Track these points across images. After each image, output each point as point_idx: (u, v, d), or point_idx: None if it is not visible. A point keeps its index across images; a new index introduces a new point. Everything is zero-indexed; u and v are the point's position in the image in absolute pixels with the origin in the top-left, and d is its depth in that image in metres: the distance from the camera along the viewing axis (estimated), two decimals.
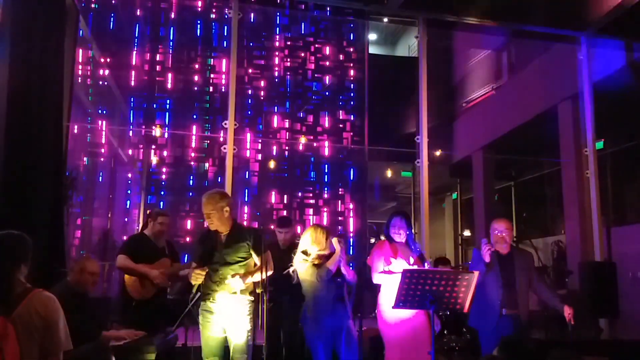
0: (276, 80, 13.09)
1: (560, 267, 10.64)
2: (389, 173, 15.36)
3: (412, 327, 4.45)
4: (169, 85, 12.38)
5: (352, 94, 13.49)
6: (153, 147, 12.09)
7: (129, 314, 5.10)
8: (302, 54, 13.30)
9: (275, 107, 13.00)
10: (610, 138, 10.49)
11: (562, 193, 10.76)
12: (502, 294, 4.85)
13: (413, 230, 4.92)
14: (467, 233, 16.64)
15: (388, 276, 4.54)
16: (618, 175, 10.74)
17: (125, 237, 10.74)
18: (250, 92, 12.80)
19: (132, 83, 12.17)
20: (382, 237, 4.99)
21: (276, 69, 13.11)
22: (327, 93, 13.30)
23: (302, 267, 4.59)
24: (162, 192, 12.05)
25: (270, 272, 4.42)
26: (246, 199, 12.15)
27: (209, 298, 4.37)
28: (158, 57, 12.41)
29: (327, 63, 13.44)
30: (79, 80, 10.17)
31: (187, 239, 11.74)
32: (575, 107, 9.96)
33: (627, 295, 7.92)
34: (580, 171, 9.42)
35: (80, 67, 10.02)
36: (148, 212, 6.24)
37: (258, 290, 4.35)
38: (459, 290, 3.84)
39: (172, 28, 12.55)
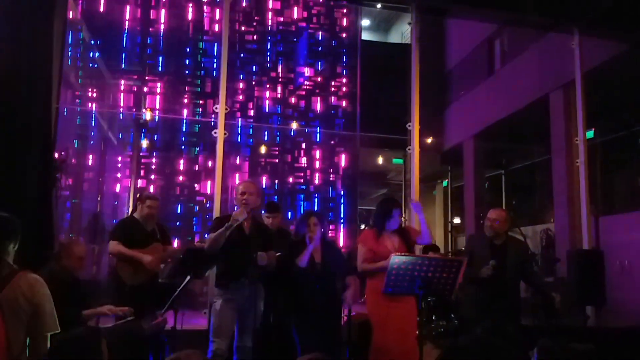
0: (268, 65, 13.03)
1: (548, 255, 10.73)
2: (380, 160, 15.38)
3: (401, 312, 4.47)
4: (160, 69, 12.29)
5: (344, 80, 13.46)
6: (143, 130, 12.02)
7: (121, 299, 5.10)
8: (295, 39, 13.24)
9: (267, 92, 12.95)
10: (600, 127, 10.53)
11: (552, 182, 10.82)
12: (492, 283, 4.90)
13: (403, 217, 4.91)
14: (457, 220, 16.72)
15: (372, 266, 4.57)
16: (607, 165, 10.79)
17: (115, 221, 10.74)
18: (241, 76, 12.74)
19: (123, 66, 12.07)
20: (370, 224, 5.00)
21: (268, 53, 13.04)
22: (319, 79, 13.26)
23: None
24: (152, 176, 12.02)
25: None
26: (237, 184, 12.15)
27: (228, 284, 4.48)
28: (149, 40, 12.30)
29: (320, 48, 13.39)
30: (69, 63, 10.07)
31: (178, 223, 11.73)
32: (567, 96, 9.99)
33: (614, 284, 8.00)
34: (570, 160, 9.47)
35: (69, 49, 9.92)
36: (138, 195, 6.23)
37: None
38: (447, 276, 3.87)
39: (163, 11, 12.43)
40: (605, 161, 10.72)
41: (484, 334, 4.33)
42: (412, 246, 4.95)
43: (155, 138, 12.14)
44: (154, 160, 12.09)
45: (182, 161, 12.21)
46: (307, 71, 13.24)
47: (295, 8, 13.29)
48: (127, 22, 12.27)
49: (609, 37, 8.48)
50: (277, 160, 12.83)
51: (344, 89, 13.44)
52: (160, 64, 12.30)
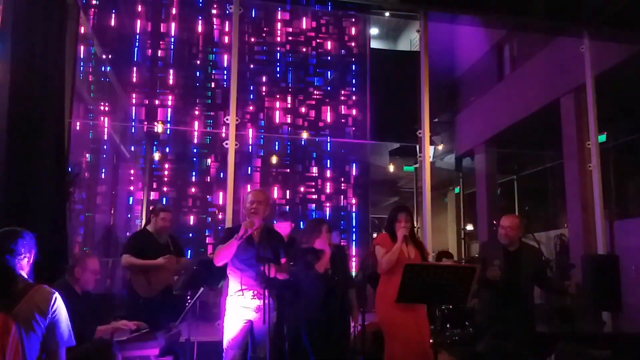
0: (278, 75, 13.08)
1: (563, 261, 10.65)
2: (391, 168, 15.36)
3: (412, 319, 4.46)
4: (171, 81, 12.37)
5: (354, 89, 13.47)
6: (155, 143, 12.10)
7: (135, 311, 5.13)
8: (304, 49, 13.28)
9: (277, 103, 12.99)
10: (613, 131, 10.47)
11: (565, 186, 10.75)
12: (504, 289, 4.87)
13: (415, 225, 4.91)
14: (469, 227, 16.63)
15: (391, 253, 4.56)
16: (621, 169, 10.71)
17: (128, 234, 10.79)
18: (252, 87, 12.79)
19: (134, 79, 12.17)
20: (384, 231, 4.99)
21: (278, 64, 13.09)
22: (329, 88, 13.28)
23: None
24: (165, 188, 12.07)
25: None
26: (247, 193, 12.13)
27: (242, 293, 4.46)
28: (159, 53, 12.40)
29: (329, 58, 13.42)
30: (81, 77, 10.17)
31: (190, 235, 11.76)
32: (578, 100, 9.94)
33: (630, 289, 7.91)
34: (583, 164, 9.41)
35: (81, 63, 10.02)
36: (151, 208, 6.27)
37: None
38: (460, 284, 3.84)
39: (173, 24, 12.53)
40: (619, 165, 10.64)
41: (494, 341, 4.30)
42: (426, 260, 4.95)
43: (167, 150, 12.20)
44: (166, 172, 12.15)
45: (193, 173, 12.26)
46: (316, 81, 13.27)
47: (304, 18, 13.35)
48: (137, 36, 12.38)
49: (619, 40, 8.44)
50: (288, 170, 12.84)
51: (354, 97, 13.44)
52: (171, 77, 12.39)
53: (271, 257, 4.38)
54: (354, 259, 12.11)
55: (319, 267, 4.73)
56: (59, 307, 2.80)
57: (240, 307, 4.47)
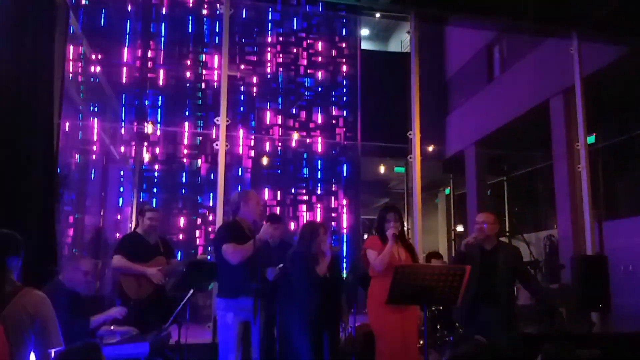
0: (268, 76, 13.06)
1: (552, 261, 10.70)
2: (382, 169, 15.39)
3: (402, 321, 4.47)
4: (161, 82, 12.32)
5: (344, 90, 13.48)
6: (145, 144, 12.03)
7: (126, 313, 5.10)
8: (295, 50, 13.28)
9: (268, 104, 12.97)
10: (602, 132, 10.53)
11: (554, 187, 10.81)
12: (480, 288, 4.78)
13: (406, 225, 4.92)
14: (460, 228, 16.69)
15: (384, 255, 4.55)
16: (610, 170, 10.78)
17: (118, 235, 10.73)
18: (242, 88, 12.76)
19: (124, 80, 12.10)
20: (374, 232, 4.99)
21: (268, 65, 13.07)
22: (319, 89, 13.27)
23: None
24: (155, 189, 12.02)
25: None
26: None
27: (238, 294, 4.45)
28: (149, 54, 12.34)
29: (320, 59, 13.42)
30: (70, 77, 10.10)
31: (180, 237, 11.72)
32: (567, 101, 10.00)
33: (619, 289, 7.96)
34: (572, 165, 9.47)
35: (71, 63, 9.96)
36: (139, 209, 6.25)
37: None
38: (451, 285, 3.86)
39: (163, 24, 12.48)
40: (608, 166, 10.71)
41: (474, 342, 4.31)
42: (416, 261, 4.92)
43: (157, 151, 12.14)
44: (156, 173, 12.10)
45: (184, 174, 12.21)
46: (307, 82, 13.26)
47: (295, 19, 13.34)
48: (127, 36, 12.31)
49: (608, 42, 8.50)
50: (278, 171, 12.82)
51: (345, 98, 13.45)
52: (160, 77, 12.33)
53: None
54: (345, 260, 12.11)
55: (320, 270, 4.72)
56: (48, 310, 2.78)
57: (238, 309, 4.45)
